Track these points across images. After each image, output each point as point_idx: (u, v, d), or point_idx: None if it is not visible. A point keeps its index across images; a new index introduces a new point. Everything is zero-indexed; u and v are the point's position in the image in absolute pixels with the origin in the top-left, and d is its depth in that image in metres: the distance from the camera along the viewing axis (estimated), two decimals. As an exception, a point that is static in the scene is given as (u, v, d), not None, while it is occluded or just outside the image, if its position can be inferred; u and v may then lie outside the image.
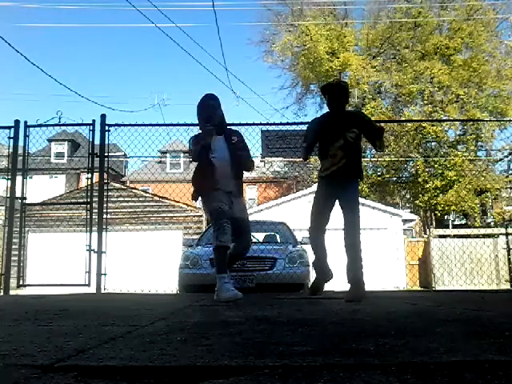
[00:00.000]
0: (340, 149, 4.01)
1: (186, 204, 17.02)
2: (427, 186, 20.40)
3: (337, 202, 4.14)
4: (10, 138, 6.35)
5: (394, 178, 23.02)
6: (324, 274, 4.38)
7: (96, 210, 6.18)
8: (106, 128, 6.32)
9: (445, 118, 20.21)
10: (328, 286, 5.54)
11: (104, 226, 6.13)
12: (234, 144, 4.02)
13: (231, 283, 3.83)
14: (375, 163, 22.89)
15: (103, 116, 6.35)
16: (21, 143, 6.43)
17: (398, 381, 1.17)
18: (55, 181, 26.92)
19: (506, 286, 13.77)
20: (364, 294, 3.96)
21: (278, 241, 7.24)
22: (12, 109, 48.86)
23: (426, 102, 21.33)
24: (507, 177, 21.54)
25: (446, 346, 1.61)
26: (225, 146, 4.01)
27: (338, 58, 22.74)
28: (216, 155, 3.92)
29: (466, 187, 19.78)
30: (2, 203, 8.67)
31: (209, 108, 4.03)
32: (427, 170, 20.82)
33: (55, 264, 14.19)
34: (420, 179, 20.62)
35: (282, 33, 25.19)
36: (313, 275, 6.40)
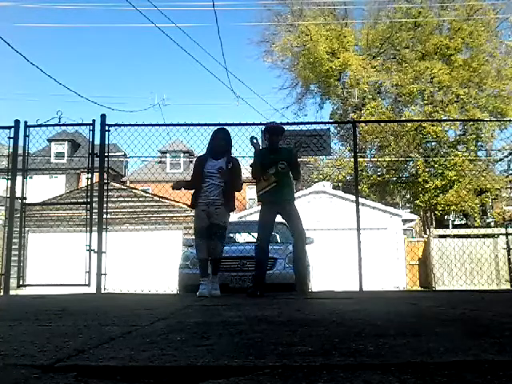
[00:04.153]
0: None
1: (186, 204, 16.98)
2: (427, 185, 20.38)
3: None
4: (10, 138, 6.34)
5: (394, 178, 23.01)
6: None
7: (96, 210, 6.17)
8: (106, 128, 6.31)
9: (445, 118, 20.20)
10: (328, 286, 5.55)
11: (104, 226, 6.13)
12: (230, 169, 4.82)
13: (206, 284, 4.88)
14: (375, 163, 22.90)
15: (103, 116, 6.34)
16: (21, 143, 6.42)
17: (398, 381, 1.17)
18: (55, 181, 26.91)
19: (506, 286, 13.78)
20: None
21: (278, 241, 7.23)
22: (12, 109, 48.86)
23: (426, 101, 21.32)
24: (507, 177, 21.51)
25: (445, 346, 1.60)
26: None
27: (338, 57, 22.73)
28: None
29: (466, 187, 19.77)
30: (2, 203, 8.67)
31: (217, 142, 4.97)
32: (427, 169, 20.81)
33: (55, 264, 14.16)
34: (420, 179, 20.61)
35: (281, 33, 25.20)
36: (313, 275, 6.41)
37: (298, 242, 4.94)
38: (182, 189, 5.15)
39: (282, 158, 4.90)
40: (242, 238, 8.33)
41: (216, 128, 5.23)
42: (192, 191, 4.97)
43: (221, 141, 4.94)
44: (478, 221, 20.61)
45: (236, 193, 5.06)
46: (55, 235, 15.84)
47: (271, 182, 4.83)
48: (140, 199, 17.37)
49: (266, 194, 4.89)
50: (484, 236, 15.79)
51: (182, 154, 26.22)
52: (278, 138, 5.08)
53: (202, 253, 4.89)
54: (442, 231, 16.97)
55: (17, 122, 6.40)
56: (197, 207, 4.85)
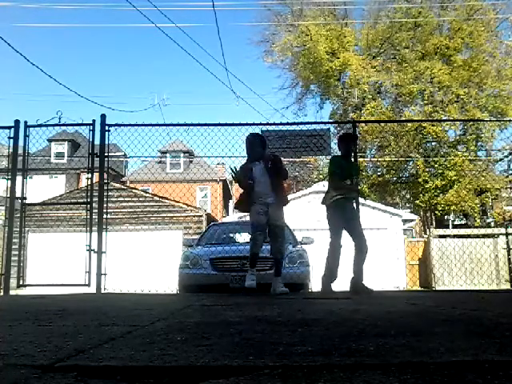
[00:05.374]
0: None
1: (186, 204, 17.01)
2: (427, 185, 20.38)
3: None
4: (10, 138, 6.34)
5: (394, 178, 23.01)
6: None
7: (96, 210, 6.17)
8: (106, 128, 6.32)
9: (445, 118, 20.20)
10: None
11: (104, 226, 6.13)
12: (271, 167, 5.09)
13: (252, 277, 4.97)
14: (375, 163, 22.89)
15: (103, 116, 6.34)
16: (21, 143, 6.42)
17: (398, 381, 1.17)
18: (55, 181, 26.90)
19: (506, 286, 13.77)
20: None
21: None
22: (12, 109, 48.90)
23: (426, 101, 21.32)
24: (507, 177, 21.51)
25: (446, 346, 1.60)
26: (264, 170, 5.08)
27: (338, 58, 22.74)
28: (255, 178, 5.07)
29: (466, 187, 19.77)
30: (2, 203, 8.66)
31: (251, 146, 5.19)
32: (427, 169, 20.81)
33: (55, 264, 14.15)
34: (420, 179, 20.61)
35: (281, 33, 25.22)
36: (313, 275, 6.41)
37: (357, 254, 5.12)
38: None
39: (353, 171, 5.45)
40: (242, 238, 8.32)
41: (249, 135, 5.35)
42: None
43: (258, 147, 5.15)
44: (478, 221, 20.61)
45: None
46: (55, 235, 15.85)
47: (353, 190, 5.40)
48: (140, 199, 17.38)
49: (341, 198, 5.16)
50: (484, 236, 15.78)
51: (182, 154, 26.22)
52: (353, 145, 5.63)
53: (258, 247, 5.02)
54: (442, 231, 16.96)
55: (17, 122, 6.40)
56: (254, 205, 5.03)
